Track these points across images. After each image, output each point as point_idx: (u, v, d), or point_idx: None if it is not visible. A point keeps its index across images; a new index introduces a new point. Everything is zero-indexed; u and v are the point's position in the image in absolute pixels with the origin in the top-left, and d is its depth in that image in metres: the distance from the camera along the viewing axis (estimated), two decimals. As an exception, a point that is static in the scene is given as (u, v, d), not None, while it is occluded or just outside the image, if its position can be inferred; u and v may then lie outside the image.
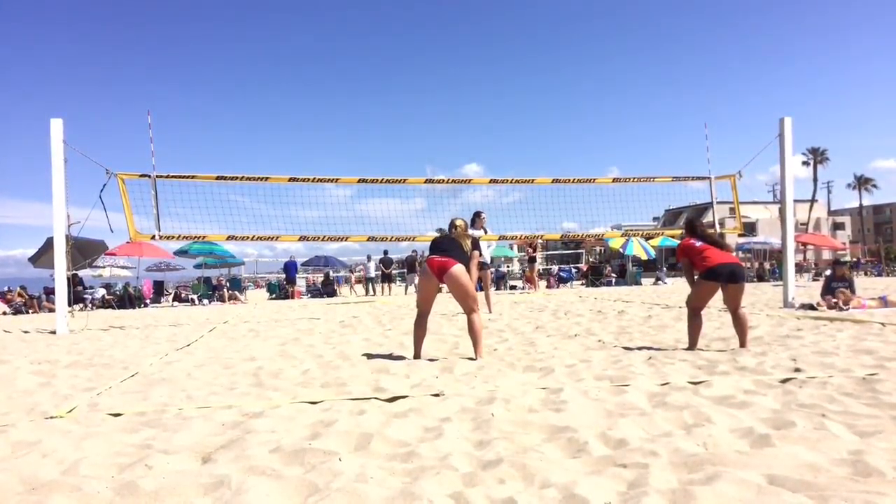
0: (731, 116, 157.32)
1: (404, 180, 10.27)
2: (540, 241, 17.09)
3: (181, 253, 22.96)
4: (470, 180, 11.68)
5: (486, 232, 10.45)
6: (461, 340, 6.35)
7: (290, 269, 23.30)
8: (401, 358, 5.36)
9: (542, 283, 25.31)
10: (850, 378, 3.86)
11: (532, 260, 17.21)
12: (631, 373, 4.27)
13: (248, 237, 10.06)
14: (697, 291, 5.37)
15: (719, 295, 5.33)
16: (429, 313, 5.36)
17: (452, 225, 5.87)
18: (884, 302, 9.16)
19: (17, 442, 2.93)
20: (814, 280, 22.96)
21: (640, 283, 24.93)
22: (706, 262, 5.24)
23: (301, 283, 25.49)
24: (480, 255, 5.62)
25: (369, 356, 5.54)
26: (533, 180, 10.47)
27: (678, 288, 20.38)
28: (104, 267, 22.73)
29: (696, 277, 5.39)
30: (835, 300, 9.08)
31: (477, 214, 10.44)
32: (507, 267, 31.62)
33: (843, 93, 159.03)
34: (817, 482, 2.14)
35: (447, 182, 10.96)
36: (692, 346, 5.36)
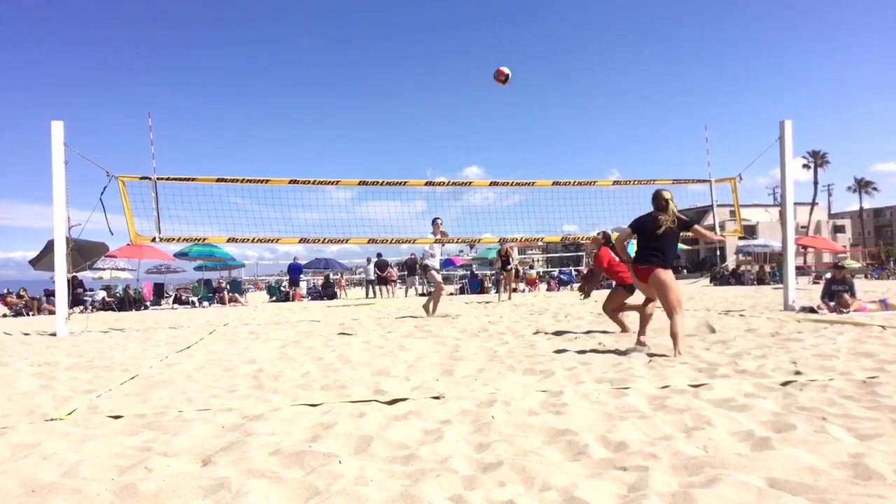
0: (732, 119, 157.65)
1: (405, 183, 10.26)
2: (513, 243, 16.39)
3: (181, 255, 22.96)
4: (470, 183, 11.64)
5: (445, 235, 10.45)
6: (461, 343, 6.35)
7: (294, 270, 23.21)
8: (401, 360, 5.36)
9: (543, 286, 25.28)
10: (851, 381, 3.85)
11: (506, 264, 16.56)
12: (631, 375, 4.28)
13: (248, 239, 10.04)
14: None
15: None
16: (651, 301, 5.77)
17: (664, 201, 5.27)
18: (884, 305, 9.15)
19: (17, 444, 2.93)
20: (814, 283, 22.94)
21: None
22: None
23: (301, 286, 25.43)
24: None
25: (369, 359, 5.54)
26: (533, 183, 10.45)
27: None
28: (104, 269, 22.71)
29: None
30: (834, 303, 9.07)
31: (433, 221, 10.45)
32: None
33: (844, 96, 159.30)
34: (817, 485, 2.14)
35: (448, 184, 10.94)
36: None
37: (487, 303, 15.10)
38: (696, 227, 5.54)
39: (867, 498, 2.01)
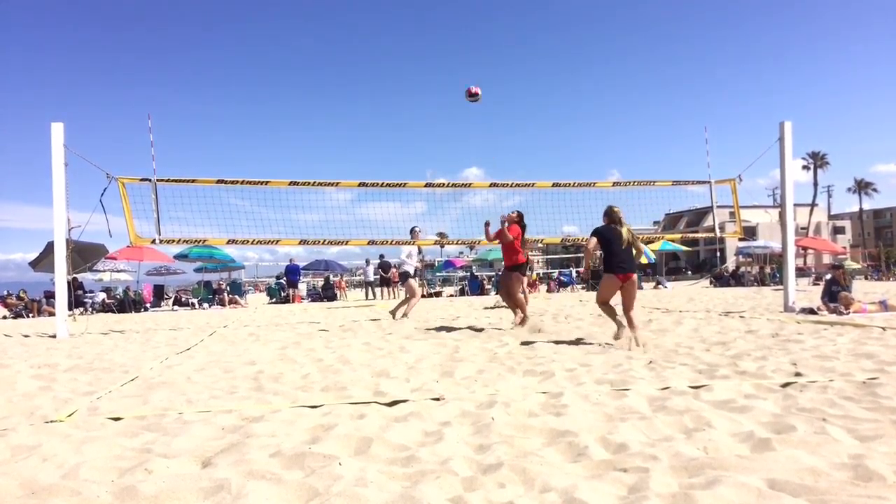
0: (732, 120, 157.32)
1: (405, 184, 10.27)
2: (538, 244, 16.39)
3: (181, 257, 22.96)
4: (471, 184, 11.65)
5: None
6: (461, 344, 6.35)
7: (291, 272, 23.14)
8: (401, 362, 5.36)
9: (543, 288, 25.29)
10: (851, 382, 3.86)
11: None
12: (631, 377, 4.27)
13: (248, 241, 10.05)
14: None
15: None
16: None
17: (617, 217, 6.26)
18: (884, 306, 9.15)
19: (17, 446, 2.93)
20: (814, 284, 22.96)
21: (641, 287, 24.91)
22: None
23: (301, 287, 25.40)
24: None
25: (369, 360, 5.54)
26: (533, 184, 10.46)
27: (678, 292, 20.39)
28: (104, 271, 22.71)
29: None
30: (835, 304, 9.07)
31: (411, 230, 10.46)
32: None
33: (844, 97, 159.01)
34: (818, 486, 2.14)
35: (448, 186, 10.94)
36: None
37: (491, 307, 15.10)
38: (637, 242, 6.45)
39: (867, 499, 2.01)
